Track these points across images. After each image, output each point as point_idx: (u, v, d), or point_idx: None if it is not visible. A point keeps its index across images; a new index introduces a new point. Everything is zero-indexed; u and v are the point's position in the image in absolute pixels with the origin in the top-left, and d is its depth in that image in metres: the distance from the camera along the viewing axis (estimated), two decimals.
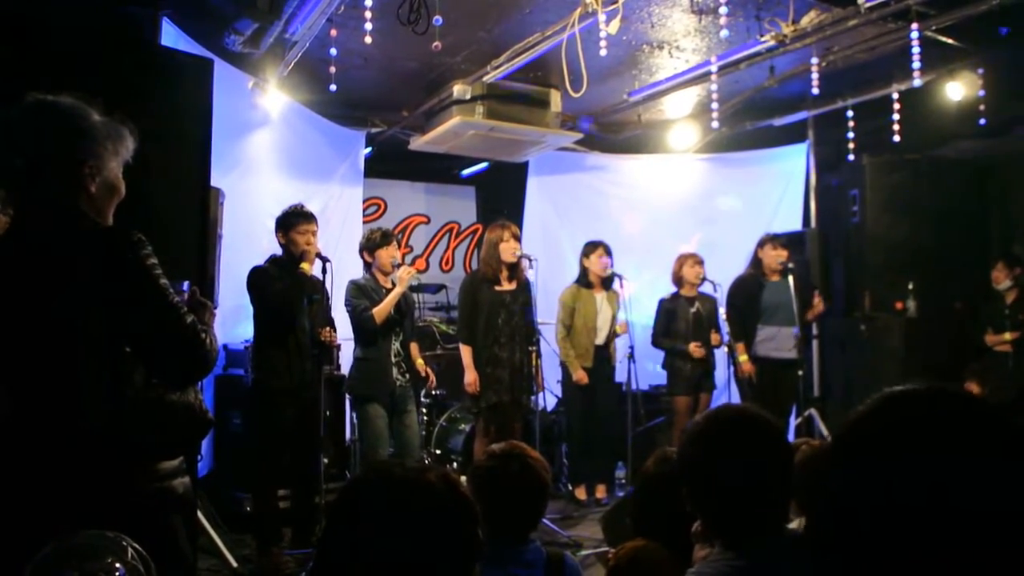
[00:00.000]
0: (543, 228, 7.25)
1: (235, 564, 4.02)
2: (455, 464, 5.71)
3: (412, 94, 6.02)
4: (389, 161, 7.25)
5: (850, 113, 6.07)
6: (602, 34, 4.13)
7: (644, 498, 2.17)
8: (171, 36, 4.11)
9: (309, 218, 4.26)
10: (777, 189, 7.16)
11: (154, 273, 1.74)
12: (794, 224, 6.86)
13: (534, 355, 5.05)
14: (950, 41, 5.00)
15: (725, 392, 5.85)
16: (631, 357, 5.55)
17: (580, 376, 5.49)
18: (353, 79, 5.60)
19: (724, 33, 4.44)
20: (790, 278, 5.61)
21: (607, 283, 5.70)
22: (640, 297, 6.13)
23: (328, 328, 4.33)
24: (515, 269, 5.12)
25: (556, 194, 7.39)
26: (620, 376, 5.75)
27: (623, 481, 5.80)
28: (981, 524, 0.71)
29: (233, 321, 5.04)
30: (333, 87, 4.79)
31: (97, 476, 1.67)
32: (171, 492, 1.82)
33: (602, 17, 4.02)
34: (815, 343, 6.63)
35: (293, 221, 4.23)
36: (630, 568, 1.89)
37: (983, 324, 5.88)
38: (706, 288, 5.80)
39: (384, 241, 4.73)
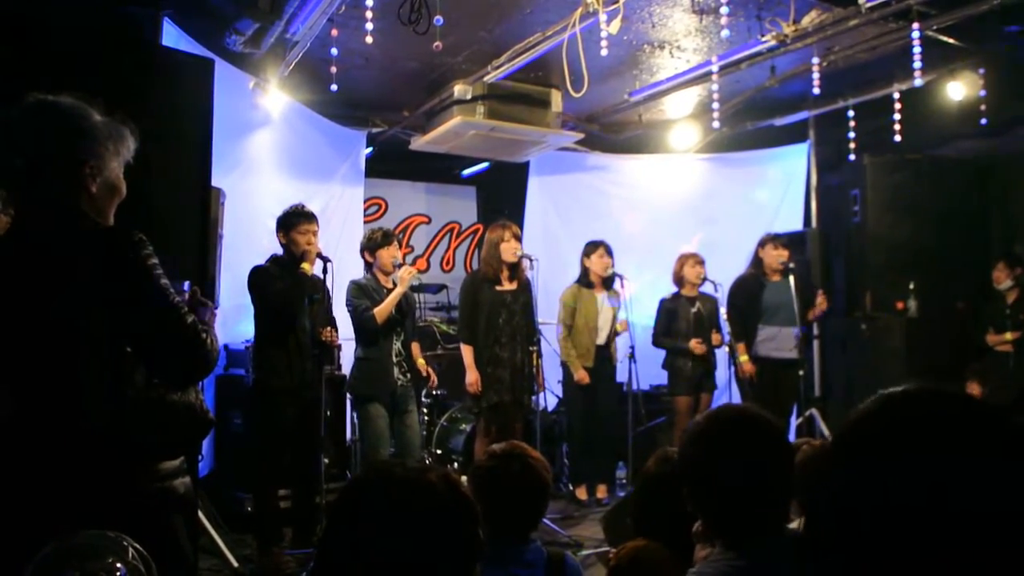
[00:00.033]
0: (544, 228, 7.25)
1: (236, 564, 4.02)
2: (456, 464, 5.71)
3: (413, 94, 6.02)
4: (390, 161, 7.26)
5: (851, 113, 6.07)
6: (603, 34, 4.13)
7: (645, 498, 2.17)
8: (172, 36, 4.11)
9: (310, 218, 4.26)
10: (778, 189, 7.16)
11: (155, 273, 1.74)
12: (795, 224, 6.86)
13: (535, 355, 5.05)
14: (951, 41, 5.00)
15: (726, 392, 5.85)
16: (632, 357, 5.55)
17: (582, 376, 5.49)
18: (354, 79, 5.61)
19: (725, 33, 4.43)
20: (791, 278, 5.61)
21: (608, 283, 5.70)
22: (641, 297, 6.13)
23: (329, 328, 4.33)
24: (516, 269, 5.12)
25: (557, 194, 7.39)
26: (621, 376, 5.74)
27: (624, 481, 5.79)
28: (981, 524, 0.71)
29: (234, 321, 5.04)
30: (334, 87, 4.79)
31: (98, 476, 1.67)
32: (172, 492, 1.82)
33: (603, 17, 4.02)
34: (816, 343, 6.63)
35: (294, 221, 4.23)
36: (631, 568, 1.89)
37: (984, 324, 5.88)
38: (707, 288, 5.80)
39: (385, 241, 4.73)
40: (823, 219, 6.73)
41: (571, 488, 5.74)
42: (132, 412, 1.73)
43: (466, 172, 8.12)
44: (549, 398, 5.95)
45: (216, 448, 5.05)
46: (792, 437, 5.19)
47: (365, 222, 6.69)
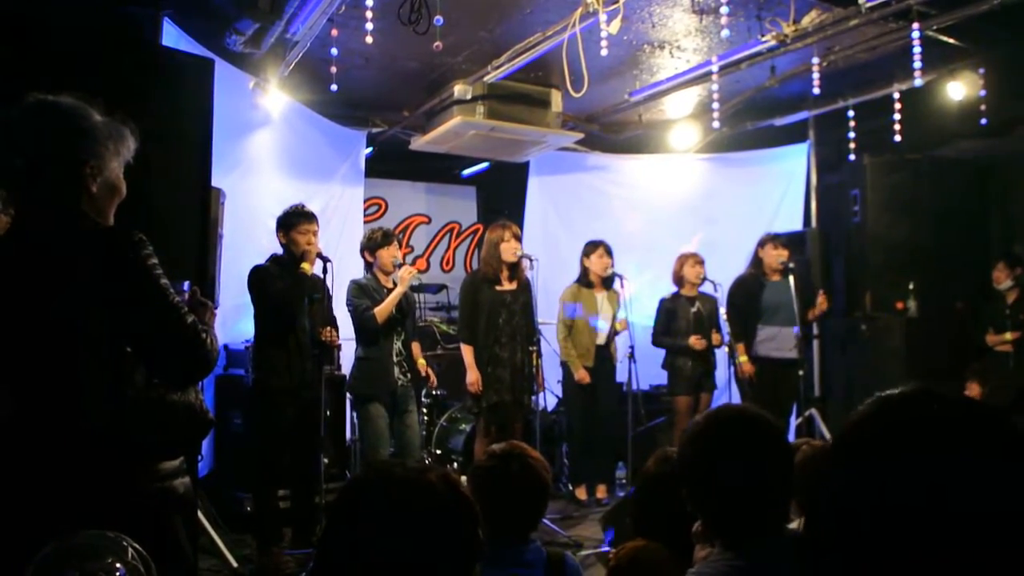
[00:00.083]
0: (544, 228, 7.25)
1: (235, 564, 4.02)
2: (456, 464, 5.71)
3: (413, 94, 6.03)
4: (390, 161, 7.26)
5: (851, 113, 6.07)
6: (603, 34, 4.13)
7: (644, 498, 2.17)
8: (172, 36, 4.11)
9: (310, 218, 4.26)
10: (778, 189, 7.16)
11: (155, 273, 1.74)
12: (795, 224, 6.86)
13: (535, 355, 5.05)
14: (951, 41, 5.00)
15: (725, 392, 5.85)
16: (632, 357, 5.55)
17: (582, 375, 5.49)
18: (354, 79, 5.61)
19: (725, 33, 4.43)
20: (791, 278, 5.60)
21: (608, 283, 5.70)
22: (641, 297, 6.13)
23: (329, 328, 4.33)
24: (516, 269, 5.12)
25: (557, 194, 7.39)
26: (621, 376, 5.74)
27: (623, 481, 5.79)
28: (980, 525, 0.72)
29: (234, 321, 5.04)
30: (334, 87, 4.79)
31: (98, 476, 1.67)
32: (172, 492, 1.82)
33: (603, 17, 4.02)
34: (816, 343, 6.63)
35: (294, 221, 4.23)
36: (631, 568, 1.89)
37: (984, 324, 5.88)
38: (707, 288, 5.80)
39: (385, 241, 4.73)
40: (823, 219, 6.73)
41: (571, 488, 5.74)
42: (132, 412, 1.73)
43: (466, 172, 8.12)
44: (549, 398, 5.95)
45: (216, 448, 5.05)
46: (792, 437, 5.20)
47: (365, 222, 6.69)
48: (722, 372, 5.77)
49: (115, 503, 1.65)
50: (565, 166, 7.36)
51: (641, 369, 5.59)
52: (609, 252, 5.63)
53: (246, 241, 4.88)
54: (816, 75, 5.26)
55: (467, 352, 5.11)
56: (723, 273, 5.85)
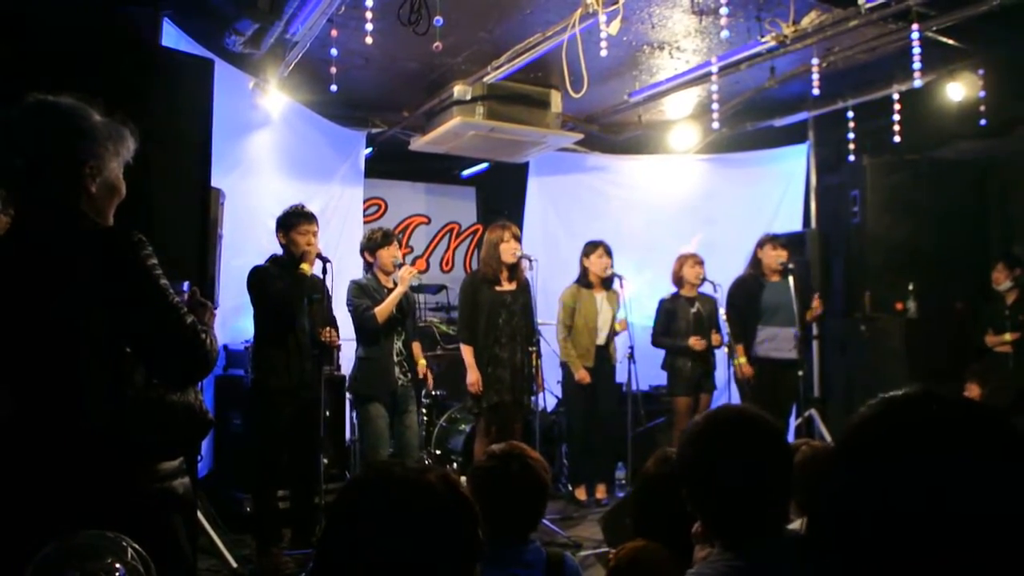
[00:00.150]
0: (543, 228, 7.25)
1: (235, 564, 4.02)
2: (455, 464, 5.71)
3: (413, 94, 6.03)
4: (389, 161, 7.26)
5: (850, 114, 6.07)
6: (603, 35, 4.13)
7: (644, 498, 2.17)
8: (172, 36, 4.11)
9: (310, 218, 4.26)
10: (777, 190, 7.16)
11: (154, 273, 1.74)
12: (794, 225, 6.86)
13: (534, 355, 5.06)
14: (951, 42, 5.00)
15: (725, 392, 5.85)
16: (631, 358, 5.55)
17: (582, 376, 5.49)
18: (354, 79, 5.61)
19: (725, 34, 4.44)
20: (790, 279, 5.60)
21: (607, 283, 5.70)
22: (640, 297, 6.13)
23: (328, 328, 4.33)
24: (515, 269, 5.13)
25: (556, 195, 7.39)
26: (620, 377, 5.75)
27: (623, 481, 5.80)
28: (980, 527, 0.72)
29: (233, 321, 5.04)
30: (334, 87, 4.79)
31: (98, 476, 1.67)
32: (171, 492, 1.82)
33: (603, 18, 4.02)
34: (815, 343, 6.63)
35: (294, 221, 4.23)
36: (630, 568, 1.89)
37: (983, 325, 5.88)
38: (706, 288, 5.81)
39: (385, 241, 4.74)
40: (822, 220, 6.73)
41: (570, 488, 5.74)
42: (132, 412, 1.73)
43: (466, 172, 8.12)
44: (548, 398, 5.96)
45: (215, 448, 5.05)
46: (791, 438, 5.20)
47: (365, 222, 6.69)
48: (722, 373, 5.78)
49: (115, 503, 1.65)
50: (565, 167, 7.36)
51: (641, 370, 5.60)
52: (609, 252, 5.63)
53: (246, 241, 4.89)
54: (816, 76, 5.26)
55: (467, 352, 5.11)
56: (722, 274, 5.85)
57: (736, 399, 5.72)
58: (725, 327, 5.74)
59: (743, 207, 7.13)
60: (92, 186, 1.77)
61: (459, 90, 5.52)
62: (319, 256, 4.18)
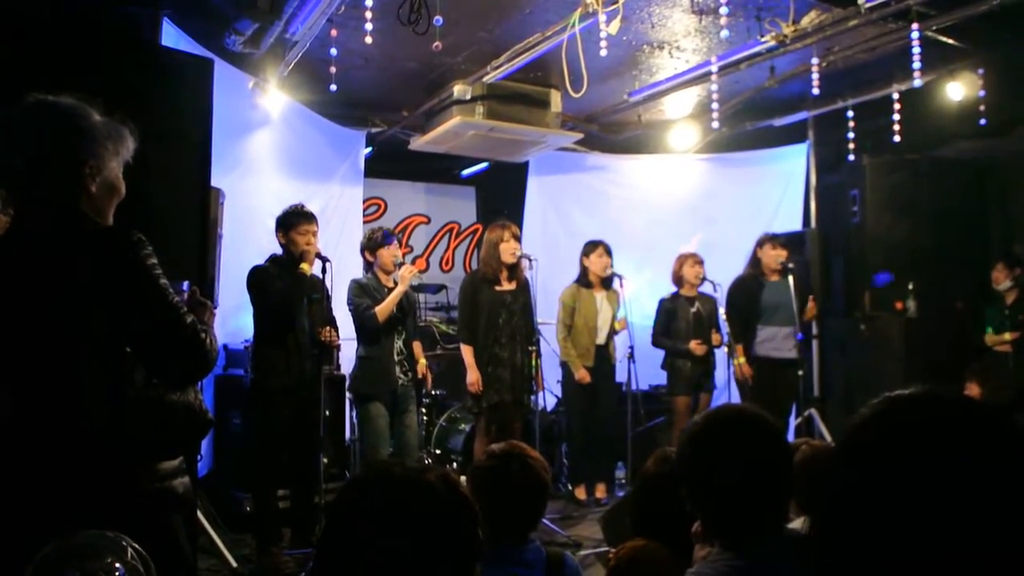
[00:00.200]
0: (543, 228, 7.25)
1: (235, 564, 4.02)
2: (455, 464, 5.71)
3: (412, 94, 6.03)
4: (389, 161, 7.26)
5: (850, 113, 6.07)
6: (602, 34, 4.13)
7: (644, 498, 2.17)
8: (171, 36, 4.11)
9: (309, 218, 4.26)
10: (777, 189, 7.16)
11: (154, 273, 1.74)
12: (794, 224, 6.86)
13: (534, 355, 5.06)
14: (950, 41, 5.00)
15: (725, 392, 5.85)
16: (631, 357, 5.55)
17: (583, 375, 5.49)
18: (353, 79, 5.61)
19: (724, 33, 4.44)
20: (790, 278, 5.60)
21: (607, 283, 5.70)
22: (640, 297, 6.13)
23: (328, 328, 4.33)
24: (515, 269, 5.13)
25: (556, 194, 7.39)
26: (620, 376, 5.75)
27: (623, 481, 5.80)
28: (981, 527, 0.72)
29: (233, 321, 5.04)
30: (333, 87, 4.79)
31: (98, 476, 1.67)
32: (171, 492, 1.82)
33: (602, 17, 4.02)
34: (815, 343, 6.63)
35: (293, 221, 4.23)
36: (630, 568, 1.89)
37: (983, 324, 5.88)
38: (706, 288, 5.81)
39: (385, 240, 4.74)
40: (822, 219, 6.73)
41: (570, 488, 5.74)
42: (131, 412, 1.73)
43: (465, 172, 8.12)
44: (548, 398, 5.96)
45: (215, 448, 5.05)
46: (791, 437, 5.20)
47: (364, 222, 6.69)
48: (721, 372, 5.78)
49: (115, 503, 1.65)
50: (564, 166, 7.36)
51: (640, 369, 5.60)
52: (608, 252, 5.63)
53: (246, 241, 4.88)
54: (815, 75, 5.26)
55: (467, 352, 5.11)
56: (722, 273, 5.85)
57: (736, 398, 5.72)
58: (725, 327, 5.74)
59: (743, 207, 7.13)
60: (92, 186, 1.77)
61: (459, 90, 5.51)
62: (319, 256, 4.18)
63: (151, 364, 1.78)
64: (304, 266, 4.14)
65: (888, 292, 6.19)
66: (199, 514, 3.85)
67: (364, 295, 4.62)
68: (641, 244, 6.98)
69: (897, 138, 5.82)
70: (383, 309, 4.55)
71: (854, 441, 0.82)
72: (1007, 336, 5.69)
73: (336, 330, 4.45)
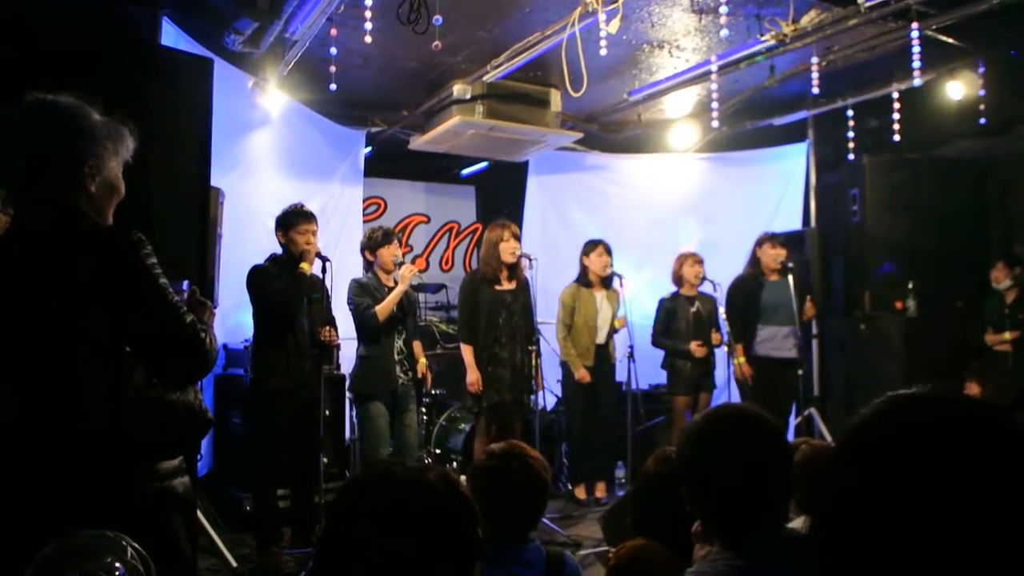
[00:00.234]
0: (543, 228, 7.25)
1: (235, 564, 4.02)
2: (455, 464, 5.71)
3: (412, 94, 6.03)
4: (389, 160, 7.26)
5: (850, 112, 6.07)
6: (602, 33, 4.13)
7: (644, 497, 2.17)
8: (171, 36, 4.11)
9: (309, 217, 4.26)
10: (777, 189, 7.16)
11: (154, 273, 1.74)
12: (794, 224, 6.86)
13: (534, 354, 5.06)
14: (950, 40, 5.00)
15: (725, 392, 5.85)
16: (631, 357, 5.55)
17: (583, 375, 5.49)
18: (353, 78, 5.61)
19: (724, 32, 4.43)
20: (790, 277, 5.60)
21: (607, 282, 5.70)
22: (640, 296, 6.13)
23: (328, 327, 4.33)
24: (515, 269, 5.13)
25: (556, 194, 7.39)
26: (620, 376, 5.75)
27: (623, 480, 5.80)
28: (982, 527, 0.71)
29: (233, 320, 5.04)
30: (333, 86, 4.79)
31: (98, 476, 1.67)
32: (171, 492, 1.82)
33: (602, 16, 4.02)
34: (815, 342, 6.64)
35: (293, 220, 4.23)
36: (630, 567, 1.89)
37: (983, 324, 5.88)
38: (706, 288, 5.80)
39: (386, 240, 4.74)
40: (822, 219, 6.73)
41: (570, 487, 5.74)
42: (131, 412, 1.73)
43: (465, 172, 8.12)
44: (548, 397, 5.95)
45: (215, 448, 5.05)
46: (791, 437, 5.20)
47: (364, 221, 6.69)
48: (721, 372, 5.78)
49: (115, 503, 1.65)
50: (564, 165, 7.36)
51: (640, 369, 5.60)
52: (608, 251, 5.63)
53: (246, 241, 4.88)
54: (815, 75, 5.26)
55: (467, 352, 5.11)
56: (722, 273, 5.85)
57: (736, 398, 5.72)
58: (725, 326, 5.74)
59: (743, 206, 7.13)
60: (92, 185, 1.77)
61: (458, 89, 5.51)
62: (318, 255, 4.18)
63: (151, 364, 1.78)
64: (304, 266, 4.14)
65: (888, 292, 6.19)
66: (199, 514, 3.85)
67: (364, 294, 4.62)
68: (641, 243, 6.98)
69: (897, 137, 5.82)
70: (383, 308, 4.55)
71: (854, 441, 0.82)
72: (1007, 335, 5.70)
73: (336, 330, 4.45)
